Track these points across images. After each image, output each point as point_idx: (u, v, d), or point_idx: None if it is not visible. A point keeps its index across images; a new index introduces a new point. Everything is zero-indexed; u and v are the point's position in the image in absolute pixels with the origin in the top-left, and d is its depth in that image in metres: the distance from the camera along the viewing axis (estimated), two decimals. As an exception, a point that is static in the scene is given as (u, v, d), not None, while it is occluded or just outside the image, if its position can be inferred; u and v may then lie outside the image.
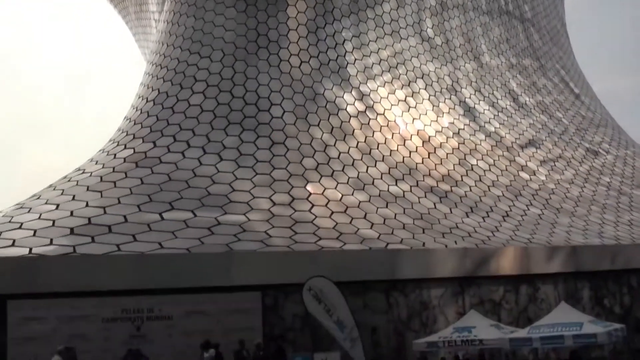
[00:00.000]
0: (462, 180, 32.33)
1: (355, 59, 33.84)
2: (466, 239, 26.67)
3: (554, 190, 35.50)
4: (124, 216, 23.24)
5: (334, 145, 29.99)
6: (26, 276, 19.69)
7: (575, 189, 36.65)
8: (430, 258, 24.57)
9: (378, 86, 33.93)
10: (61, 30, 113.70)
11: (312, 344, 22.02)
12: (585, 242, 29.46)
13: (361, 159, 30.12)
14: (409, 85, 35.45)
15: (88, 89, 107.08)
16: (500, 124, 38.62)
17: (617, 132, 48.26)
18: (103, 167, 27.00)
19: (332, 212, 26.18)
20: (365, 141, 31.13)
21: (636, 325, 27.25)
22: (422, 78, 36.42)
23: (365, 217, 26.50)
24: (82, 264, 20.38)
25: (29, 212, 23.69)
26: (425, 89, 36.10)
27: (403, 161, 31.47)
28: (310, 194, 26.93)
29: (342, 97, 32.04)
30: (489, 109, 38.86)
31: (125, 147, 28.35)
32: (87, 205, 23.87)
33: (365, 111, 32.38)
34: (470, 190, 31.82)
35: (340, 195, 27.48)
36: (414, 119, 34.14)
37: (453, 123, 35.87)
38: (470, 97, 38.43)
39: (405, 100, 34.60)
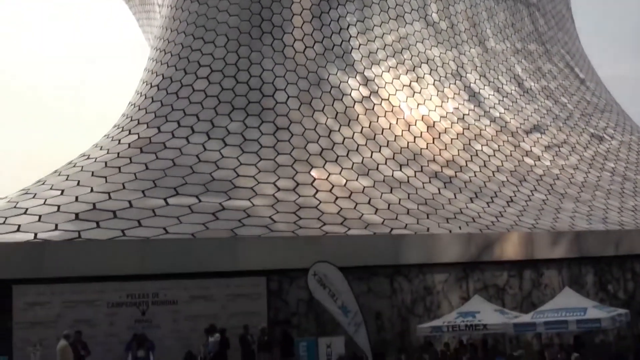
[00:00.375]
0: (466, 165, 32.29)
1: (360, 44, 33.73)
2: (470, 224, 26.68)
3: (559, 175, 35.45)
4: (129, 201, 23.29)
5: (339, 130, 29.96)
6: (31, 261, 19.77)
7: (579, 175, 36.60)
8: (435, 243, 24.60)
9: (383, 71, 33.84)
10: (63, 23, 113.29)
11: (317, 328, 22.12)
12: (589, 228, 29.44)
13: (365, 145, 30.09)
14: (413, 70, 35.34)
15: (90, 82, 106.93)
16: (505, 109, 38.51)
17: (622, 118, 48.10)
18: (108, 153, 27.02)
19: (337, 198, 26.19)
20: (369, 126, 31.08)
21: (640, 311, 27.30)
22: (426, 63, 36.29)
23: (369, 203, 26.51)
24: (87, 249, 20.45)
25: (33, 197, 23.75)
26: (430, 74, 36.00)
27: (407, 146, 31.43)
28: (315, 179, 26.94)
29: (347, 82, 31.97)
30: (493, 94, 38.74)
31: (129, 133, 28.36)
32: (92, 190, 23.92)
33: (369, 96, 32.31)
34: (475, 175, 31.80)
35: (344, 181, 27.48)
36: (418, 104, 34.06)
37: (458, 108, 35.79)
38: (475, 82, 38.31)
39: (410, 86, 34.51)
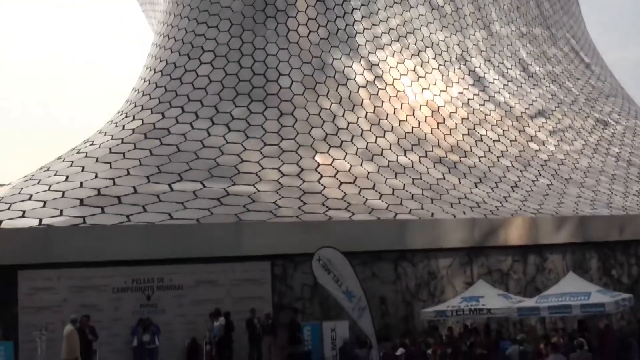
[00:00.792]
0: (471, 150, 32.24)
1: (364, 28, 33.60)
2: (475, 210, 26.68)
3: (563, 160, 35.38)
4: (134, 187, 23.33)
5: (343, 115, 29.92)
6: (36, 247, 19.86)
7: (584, 160, 36.52)
8: (439, 228, 24.62)
9: (387, 56, 33.72)
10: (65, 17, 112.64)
11: (321, 313, 22.21)
12: (593, 213, 29.43)
13: (370, 130, 30.05)
14: (418, 54, 35.22)
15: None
16: (509, 93, 38.39)
17: (627, 103, 47.93)
18: (112, 139, 27.04)
19: (341, 183, 26.20)
20: (374, 111, 31.02)
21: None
22: (431, 47, 36.16)
23: (373, 188, 26.52)
24: (92, 235, 20.52)
25: (38, 183, 23.81)
26: (434, 58, 35.87)
27: (412, 131, 31.39)
28: (319, 164, 26.94)
29: (351, 66, 31.88)
30: (498, 79, 38.61)
31: (133, 119, 28.37)
32: (96, 176, 23.96)
33: (374, 81, 32.23)
34: (479, 160, 31.76)
35: (349, 166, 27.48)
36: (423, 89, 33.97)
37: (462, 93, 35.68)
38: (479, 67, 38.17)
39: (414, 70, 34.40)
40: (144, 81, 31.02)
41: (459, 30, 38.64)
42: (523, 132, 36.09)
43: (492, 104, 36.63)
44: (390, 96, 32.23)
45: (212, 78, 29.36)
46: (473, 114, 34.95)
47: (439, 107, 33.76)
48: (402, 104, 32.42)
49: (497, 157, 32.75)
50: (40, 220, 20.84)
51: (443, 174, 29.41)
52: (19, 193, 23.04)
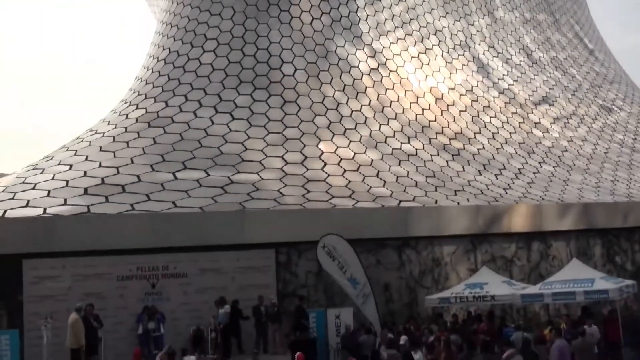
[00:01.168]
0: (475, 137, 32.19)
1: (368, 15, 33.49)
2: (478, 197, 26.68)
3: (567, 147, 35.32)
4: (138, 176, 23.36)
5: (346, 103, 29.87)
6: (41, 236, 19.91)
7: (588, 146, 36.46)
8: (443, 215, 24.62)
9: (391, 43, 33.62)
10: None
11: (326, 300, 22.28)
12: (597, 200, 29.40)
13: (373, 117, 30.01)
14: (422, 41, 35.11)
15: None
16: (513, 80, 38.29)
17: (631, 89, 47.78)
18: (115, 128, 27.05)
19: (345, 171, 26.20)
20: (377, 99, 30.97)
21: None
22: (435, 34, 36.04)
23: (377, 175, 26.51)
24: (97, 224, 20.56)
25: (42, 172, 23.84)
26: (438, 45, 35.76)
27: (416, 119, 31.34)
28: (323, 152, 26.92)
29: (355, 54, 31.80)
30: (502, 65, 38.50)
31: (137, 107, 28.35)
32: (100, 165, 23.99)
33: (377, 68, 32.15)
34: (483, 147, 31.72)
35: (352, 154, 27.46)
36: (427, 76, 33.89)
37: (466, 80, 35.59)
38: (483, 53, 38.05)
39: (418, 57, 34.31)
40: (147, 69, 30.99)
41: (463, 17, 38.50)
42: (527, 119, 36.02)
43: (496, 90, 36.54)
44: (394, 83, 32.16)
45: (216, 66, 29.31)
46: (477, 100, 34.87)
47: (442, 94, 33.69)
48: (405, 91, 32.36)
49: (501, 144, 32.70)
50: (45, 209, 20.89)
51: (447, 161, 29.39)
52: (23, 182, 23.08)
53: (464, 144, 31.22)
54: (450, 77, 34.92)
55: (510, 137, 33.67)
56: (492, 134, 33.17)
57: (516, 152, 32.51)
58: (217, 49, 29.88)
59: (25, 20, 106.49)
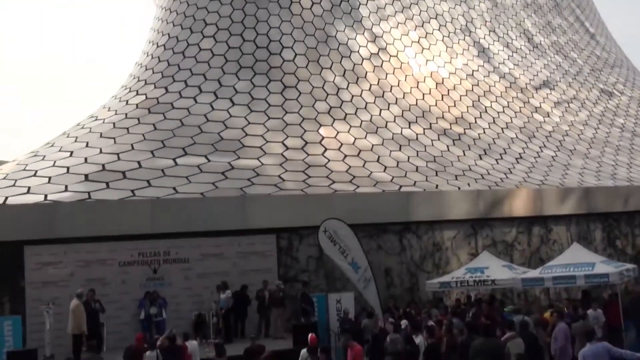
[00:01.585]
0: (475, 122, 32.16)
1: None
2: (479, 181, 26.68)
3: (568, 131, 35.29)
4: (138, 162, 23.36)
5: (347, 88, 29.82)
6: (42, 222, 19.93)
7: (588, 131, 36.42)
8: (443, 200, 24.64)
9: (391, 27, 33.51)
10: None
11: (327, 284, 22.34)
12: (598, 184, 29.40)
13: (374, 102, 29.97)
14: (422, 26, 35.00)
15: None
16: (514, 64, 38.19)
17: (632, 73, 47.65)
18: (116, 114, 27.01)
19: (345, 156, 26.19)
20: (378, 84, 30.91)
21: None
22: (435, 18, 35.92)
23: (378, 160, 26.51)
24: (98, 210, 20.59)
25: (43, 159, 23.84)
26: (439, 29, 35.64)
27: (416, 104, 31.29)
28: (323, 137, 26.91)
29: (355, 39, 31.70)
30: (503, 50, 38.39)
31: (137, 93, 28.31)
32: (101, 151, 23.98)
33: (378, 53, 32.06)
34: (484, 132, 31.69)
35: (353, 139, 27.44)
36: (427, 61, 33.80)
37: (467, 64, 35.50)
38: (484, 38, 37.93)
39: (418, 42, 34.21)
40: (147, 55, 30.91)
41: (464, 1, 38.35)
42: (528, 104, 35.96)
43: (497, 75, 36.46)
44: (394, 68, 32.08)
45: (215, 52, 29.23)
46: (478, 85, 34.80)
47: (443, 78, 33.62)
48: (406, 75, 32.29)
49: (502, 128, 32.67)
50: (46, 196, 20.91)
51: (447, 146, 29.37)
52: (24, 169, 23.08)
53: (464, 129, 31.19)
54: (450, 62, 34.83)
55: (511, 122, 33.64)
56: (493, 118, 33.13)
57: (517, 137, 32.48)
58: (217, 34, 29.79)
59: (25, 20, 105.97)
